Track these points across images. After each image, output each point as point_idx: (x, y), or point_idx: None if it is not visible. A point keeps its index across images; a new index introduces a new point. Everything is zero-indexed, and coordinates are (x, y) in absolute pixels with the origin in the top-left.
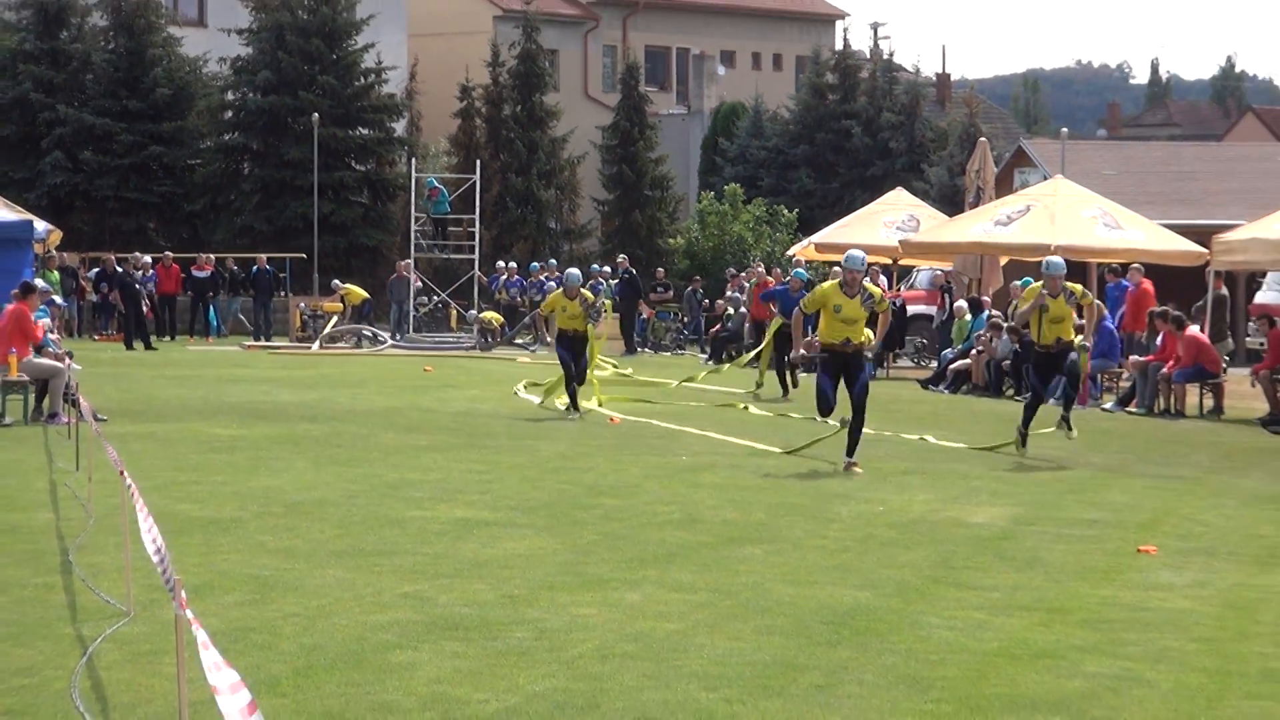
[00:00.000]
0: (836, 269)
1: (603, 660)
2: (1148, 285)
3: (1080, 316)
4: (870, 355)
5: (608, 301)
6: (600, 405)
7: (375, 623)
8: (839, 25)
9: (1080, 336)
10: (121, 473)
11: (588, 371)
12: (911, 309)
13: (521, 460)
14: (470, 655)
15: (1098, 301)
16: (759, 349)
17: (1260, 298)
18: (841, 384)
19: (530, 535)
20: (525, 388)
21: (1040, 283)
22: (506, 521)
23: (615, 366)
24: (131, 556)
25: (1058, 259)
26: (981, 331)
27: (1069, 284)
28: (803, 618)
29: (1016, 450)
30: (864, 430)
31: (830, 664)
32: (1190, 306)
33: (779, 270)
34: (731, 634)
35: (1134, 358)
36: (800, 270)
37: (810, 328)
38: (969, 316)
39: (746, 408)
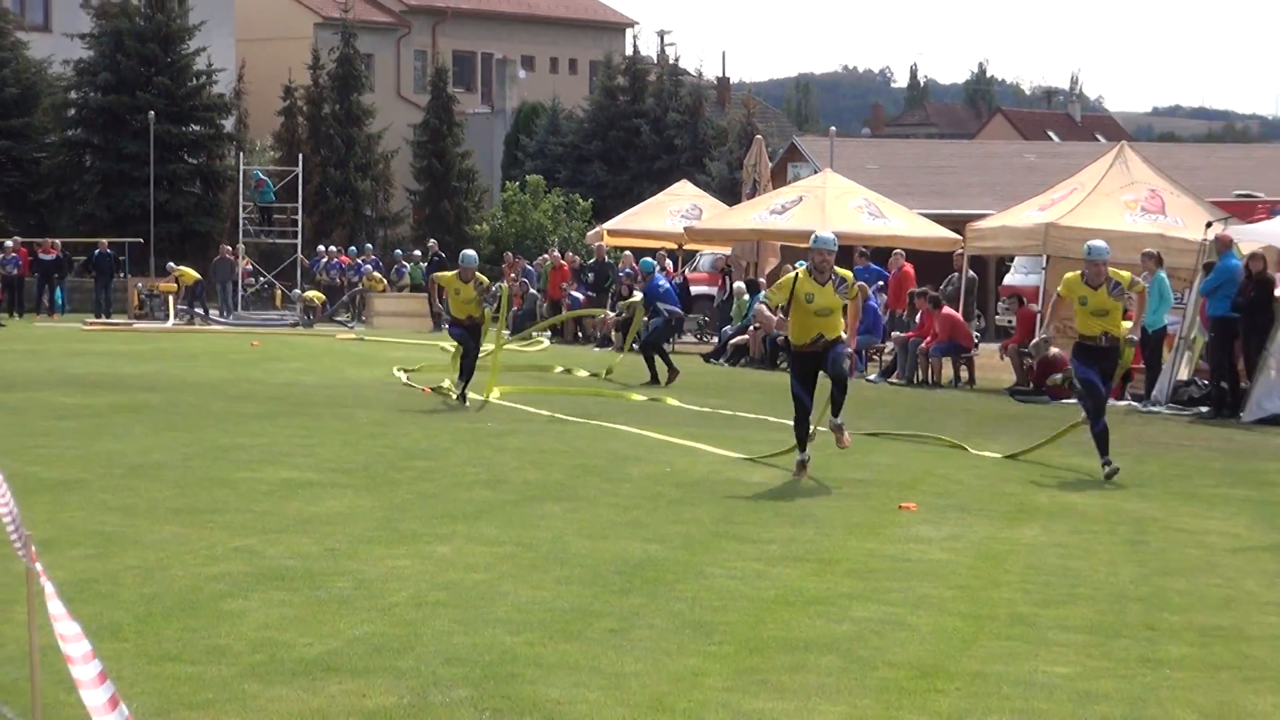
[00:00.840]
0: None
1: (416, 607)
2: (909, 268)
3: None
4: (846, 354)
5: (504, 286)
6: (492, 397)
7: (209, 574)
8: (629, 33)
9: (1128, 325)
10: None
11: (495, 350)
12: (695, 289)
13: (341, 426)
14: (295, 603)
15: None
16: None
17: (1009, 280)
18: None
19: (350, 494)
20: (401, 371)
21: (1078, 273)
22: (328, 482)
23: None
24: None
25: (1101, 243)
26: (758, 310)
27: (1116, 272)
28: (598, 568)
29: (1105, 470)
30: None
31: (623, 610)
32: (952, 289)
33: (572, 254)
34: (534, 583)
35: (896, 334)
36: (648, 260)
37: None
38: (747, 296)
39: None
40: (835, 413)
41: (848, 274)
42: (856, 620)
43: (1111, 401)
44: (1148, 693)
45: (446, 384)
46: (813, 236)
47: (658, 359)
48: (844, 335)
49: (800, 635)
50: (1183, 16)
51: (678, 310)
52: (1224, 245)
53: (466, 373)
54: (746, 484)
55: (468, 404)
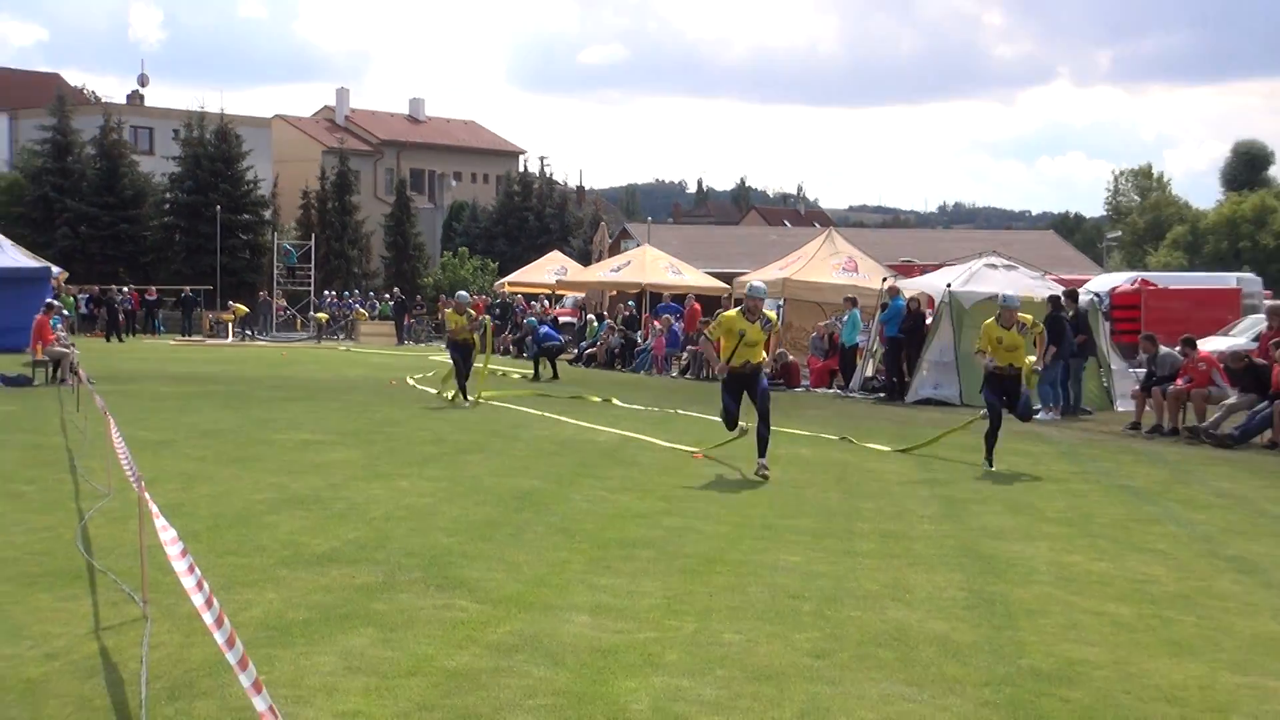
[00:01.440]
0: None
1: (387, 520)
2: (697, 306)
3: (1034, 343)
4: (767, 371)
5: (488, 318)
6: (481, 398)
7: (254, 500)
8: (521, 157)
9: (1032, 359)
10: (105, 412)
11: (482, 368)
12: (562, 319)
13: (338, 406)
14: (310, 518)
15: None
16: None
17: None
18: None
19: (344, 449)
20: (413, 379)
21: (992, 320)
22: (330, 441)
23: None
24: (111, 461)
25: (1014, 295)
26: (603, 332)
27: (1022, 315)
28: (502, 495)
29: (984, 468)
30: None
31: (518, 522)
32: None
33: (486, 296)
34: (461, 505)
35: (689, 347)
36: (532, 320)
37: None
38: (596, 324)
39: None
40: (761, 453)
41: (772, 315)
42: (665, 527)
43: (821, 389)
44: (848, 572)
45: (438, 390)
46: (748, 286)
47: (547, 364)
48: (766, 357)
49: (630, 536)
50: (868, 146)
51: (559, 341)
52: (893, 292)
53: (462, 382)
54: (596, 443)
55: (469, 403)
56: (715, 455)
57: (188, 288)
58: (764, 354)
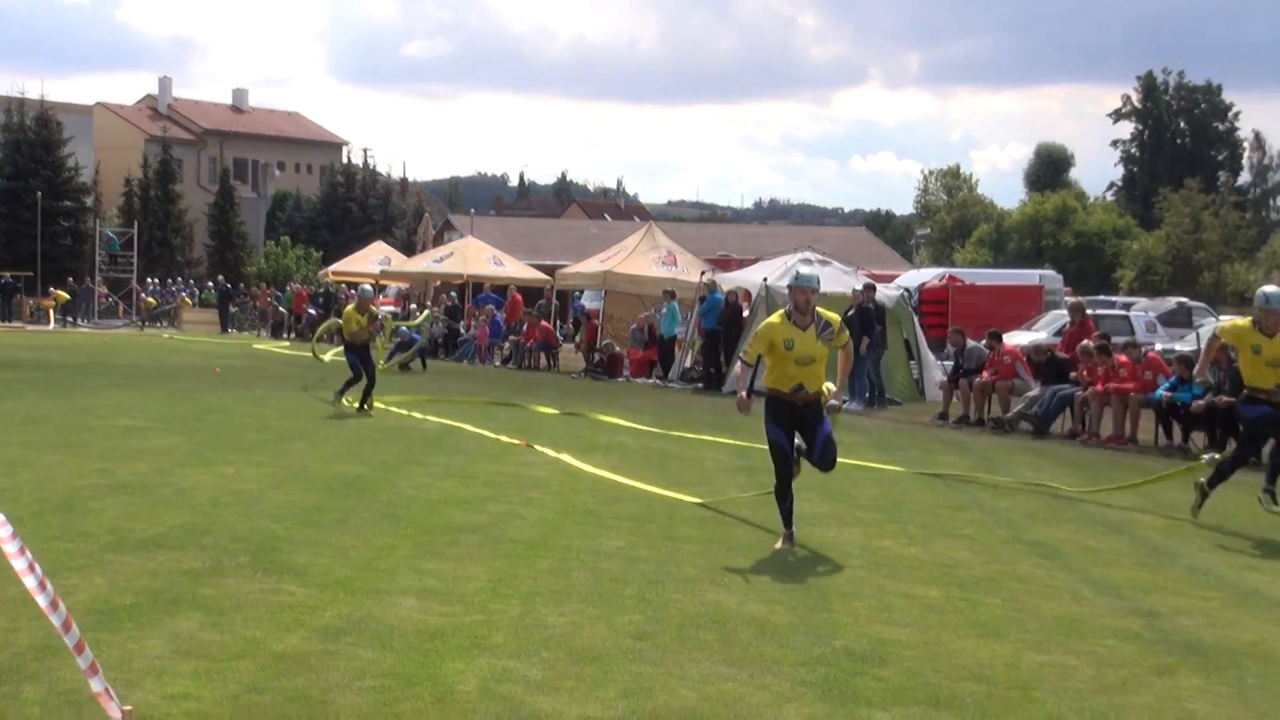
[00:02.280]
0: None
1: (214, 506)
2: (519, 297)
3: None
4: (837, 407)
5: (389, 315)
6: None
7: (79, 485)
8: (344, 148)
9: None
10: None
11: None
12: (387, 309)
13: (162, 393)
14: (136, 504)
15: None
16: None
17: (582, 302)
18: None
19: (169, 435)
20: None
21: (1246, 320)
22: (155, 427)
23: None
24: None
25: (1275, 289)
26: (431, 324)
27: None
28: (328, 481)
29: (1192, 514)
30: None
31: (344, 508)
32: (544, 310)
33: (310, 285)
34: (289, 491)
35: (511, 337)
36: (404, 330)
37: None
38: (421, 313)
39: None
40: (788, 521)
41: (834, 317)
42: (489, 513)
43: (641, 379)
44: (669, 556)
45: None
46: (795, 274)
47: (415, 362)
48: (832, 387)
49: (455, 522)
50: (686, 143)
51: (419, 339)
52: (711, 286)
53: (367, 388)
54: (420, 430)
55: (371, 413)
56: (717, 506)
57: (8, 274)
58: (828, 386)
